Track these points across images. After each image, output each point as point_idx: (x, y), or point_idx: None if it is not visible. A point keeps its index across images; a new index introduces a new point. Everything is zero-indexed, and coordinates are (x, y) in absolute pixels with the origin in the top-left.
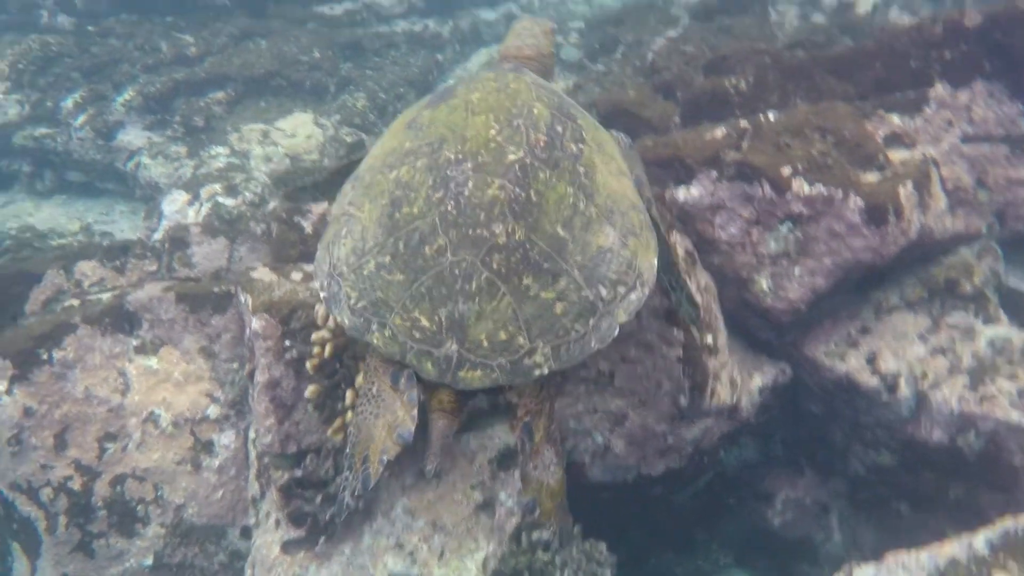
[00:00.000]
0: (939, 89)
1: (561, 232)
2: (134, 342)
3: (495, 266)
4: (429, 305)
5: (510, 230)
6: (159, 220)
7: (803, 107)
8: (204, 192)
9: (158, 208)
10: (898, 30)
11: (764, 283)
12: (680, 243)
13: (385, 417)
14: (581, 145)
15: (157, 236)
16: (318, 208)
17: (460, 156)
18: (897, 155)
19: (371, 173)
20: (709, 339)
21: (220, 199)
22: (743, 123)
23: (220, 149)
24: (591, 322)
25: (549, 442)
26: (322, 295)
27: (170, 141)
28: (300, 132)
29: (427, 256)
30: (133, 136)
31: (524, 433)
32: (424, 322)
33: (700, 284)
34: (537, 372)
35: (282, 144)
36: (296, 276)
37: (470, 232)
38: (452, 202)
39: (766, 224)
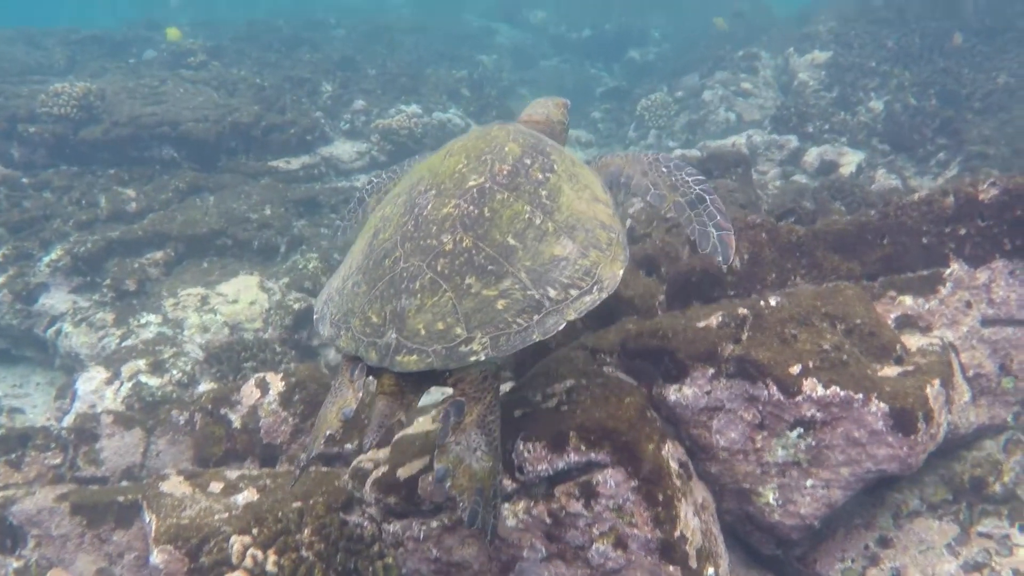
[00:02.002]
0: (955, 268)
1: (511, 241)
2: (15, 564)
3: (439, 268)
4: (380, 305)
5: (457, 239)
6: (72, 401)
7: (806, 289)
8: (126, 370)
9: (72, 387)
10: (905, 203)
11: (770, 496)
12: (672, 455)
13: (338, 403)
14: (548, 174)
15: (67, 420)
16: (249, 398)
17: (428, 187)
18: (912, 340)
19: (372, 218)
20: (710, 570)
21: (143, 378)
22: (741, 310)
23: (151, 317)
24: (535, 318)
25: (481, 430)
26: (315, 318)
27: (97, 306)
28: (243, 297)
29: (386, 267)
30: (57, 300)
31: (452, 407)
32: (374, 319)
33: (697, 501)
34: (473, 358)
35: (222, 311)
36: (216, 487)
37: (422, 243)
38: (412, 222)
39: (772, 429)
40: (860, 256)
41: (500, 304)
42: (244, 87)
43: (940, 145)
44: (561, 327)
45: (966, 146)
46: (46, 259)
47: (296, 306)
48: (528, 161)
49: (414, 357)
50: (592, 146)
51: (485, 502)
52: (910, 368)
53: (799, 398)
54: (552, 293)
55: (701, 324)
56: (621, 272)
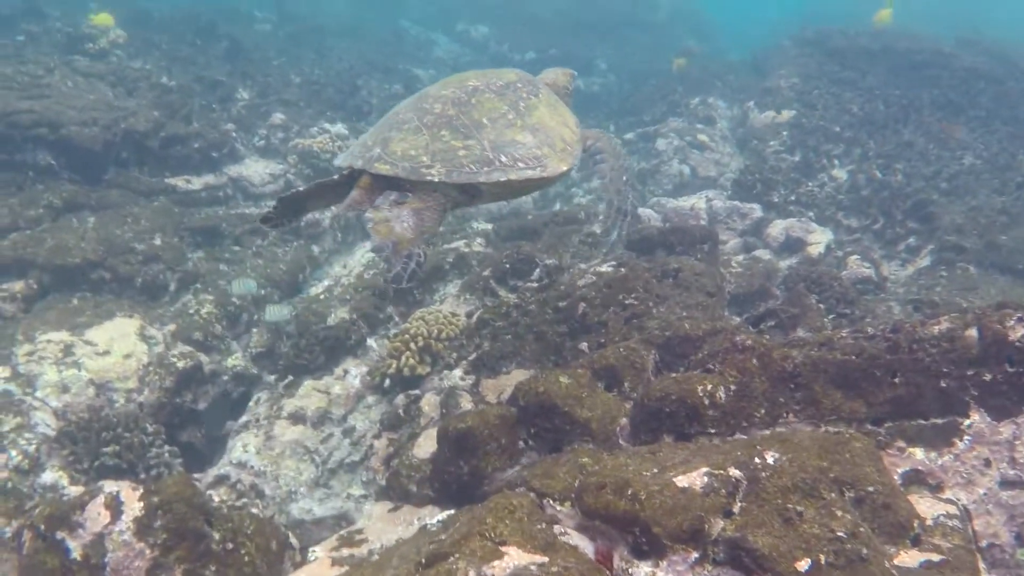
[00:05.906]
0: (975, 419)
1: (484, 121)
2: None
3: (425, 121)
4: (376, 136)
5: (445, 108)
6: None
7: (805, 436)
8: None
9: None
10: (921, 336)
11: None
12: None
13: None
14: (533, 97)
15: None
16: (95, 521)
17: (439, 83)
18: (924, 505)
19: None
20: None
21: None
22: (733, 471)
23: None
24: (484, 168)
25: (413, 214)
26: (338, 159)
27: None
28: (117, 348)
29: (390, 120)
30: None
31: (398, 193)
32: (369, 143)
33: None
34: (428, 177)
35: (88, 366)
36: None
37: (419, 106)
38: (418, 97)
39: None
40: (866, 395)
41: (461, 152)
42: (146, 86)
43: (910, 229)
44: (501, 180)
45: (938, 234)
46: None
47: (180, 364)
48: (520, 85)
49: (387, 166)
50: None
51: (395, 250)
52: (933, 558)
53: None
54: (503, 159)
55: (681, 483)
56: (565, 168)
